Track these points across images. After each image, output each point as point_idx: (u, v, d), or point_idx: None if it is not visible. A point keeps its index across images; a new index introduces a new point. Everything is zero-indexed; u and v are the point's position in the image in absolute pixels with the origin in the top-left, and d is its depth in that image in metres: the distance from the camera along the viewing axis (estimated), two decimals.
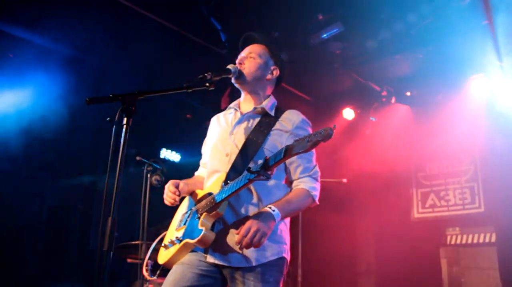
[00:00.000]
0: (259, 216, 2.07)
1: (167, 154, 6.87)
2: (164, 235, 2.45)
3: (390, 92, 6.41)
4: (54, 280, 5.69)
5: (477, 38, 4.93)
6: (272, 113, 2.38)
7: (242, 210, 2.17)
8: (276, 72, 2.48)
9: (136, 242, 4.37)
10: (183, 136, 6.59)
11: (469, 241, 5.98)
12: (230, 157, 2.27)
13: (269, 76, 2.46)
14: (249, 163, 2.16)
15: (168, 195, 2.32)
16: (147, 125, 5.55)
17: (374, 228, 6.85)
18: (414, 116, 6.52)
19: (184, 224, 2.28)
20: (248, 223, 2.03)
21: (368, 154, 6.45)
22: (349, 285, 6.86)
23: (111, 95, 1.91)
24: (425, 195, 6.59)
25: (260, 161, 1.98)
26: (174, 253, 2.24)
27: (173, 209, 2.46)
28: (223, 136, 2.39)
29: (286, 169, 2.31)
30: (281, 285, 2.19)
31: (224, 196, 2.08)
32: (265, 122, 2.33)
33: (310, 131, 2.33)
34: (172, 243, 2.26)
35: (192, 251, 2.23)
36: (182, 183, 2.36)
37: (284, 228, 2.27)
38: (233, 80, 2.41)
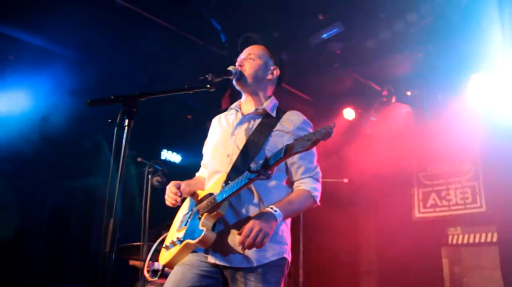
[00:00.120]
0: (261, 216, 2.07)
1: (168, 155, 6.87)
2: (165, 236, 2.46)
3: (391, 92, 6.41)
4: (55, 281, 5.69)
5: (477, 37, 4.93)
6: (273, 114, 2.38)
7: (243, 211, 2.18)
8: (277, 72, 2.48)
9: (138, 243, 4.38)
10: (183, 137, 6.59)
11: (471, 240, 5.97)
12: (231, 158, 2.27)
13: (269, 76, 2.46)
14: (250, 164, 2.16)
15: (170, 196, 2.33)
16: (147, 126, 5.55)
17: (375, 228, 6.84)
18: (415, 116, 6.51)
19: (185, 224, 2.29)
20: (250, 223, 2.03)
21: (369, 154, 6.43)
22: (351, 285, 6.85)
23: (112, 97, 1.91)
24: (426, 195, 6.58)
25: (261, 162, 1.98)
26: (175, 253, 2.24)
27: (175, 210, 2.47)
28: (224, 137, 2.39)
29: (287, 170, 2.31)
30: (282, 285, 2.19)
31: (224, 196, 2.09)
32: (266, 123, 2.33)
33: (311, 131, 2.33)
34: (173, 243, 2.27)
35: (193, 251, 2.23)
36: (183, 184, 2.36)
37: (285, 229, 2.27)
38: (234, 82, 2.41)
